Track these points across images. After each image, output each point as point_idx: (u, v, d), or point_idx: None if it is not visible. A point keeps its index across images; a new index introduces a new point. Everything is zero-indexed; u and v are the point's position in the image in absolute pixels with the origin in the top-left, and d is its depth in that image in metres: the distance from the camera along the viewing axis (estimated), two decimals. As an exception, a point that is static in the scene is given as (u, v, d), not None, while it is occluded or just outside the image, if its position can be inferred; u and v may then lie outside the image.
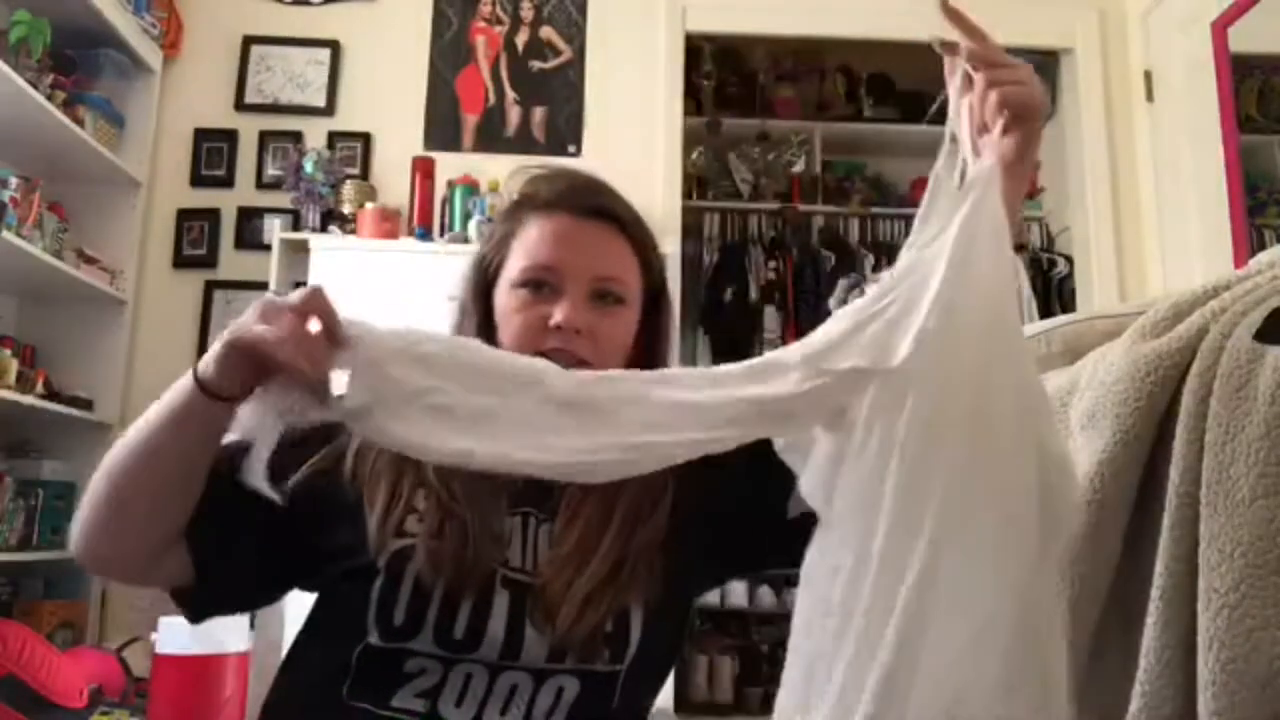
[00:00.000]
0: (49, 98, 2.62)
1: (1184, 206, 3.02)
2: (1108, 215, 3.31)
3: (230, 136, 3.23)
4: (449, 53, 3.32)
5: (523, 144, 3.25)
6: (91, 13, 2.80)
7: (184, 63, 3.26)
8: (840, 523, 0.65)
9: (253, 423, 0.71)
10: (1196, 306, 0.68)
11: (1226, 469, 0.58)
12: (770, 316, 3.44)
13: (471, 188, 3.00)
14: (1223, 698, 0.55)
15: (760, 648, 3.41)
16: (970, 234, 0.65)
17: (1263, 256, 0.75)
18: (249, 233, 3.16)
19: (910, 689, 0.59)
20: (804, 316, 3.45)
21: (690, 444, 0.66)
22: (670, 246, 3.07)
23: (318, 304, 0.72)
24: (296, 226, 3.04)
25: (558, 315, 0.89)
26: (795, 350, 0.67)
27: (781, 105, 4.00)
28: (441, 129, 3.26)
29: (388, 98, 3.27)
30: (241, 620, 2.09)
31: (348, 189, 3.05)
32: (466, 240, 2.89)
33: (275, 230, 3.00)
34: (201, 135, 3.23)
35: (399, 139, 3.23)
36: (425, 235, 2.93)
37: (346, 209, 3.02)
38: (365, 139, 3.25)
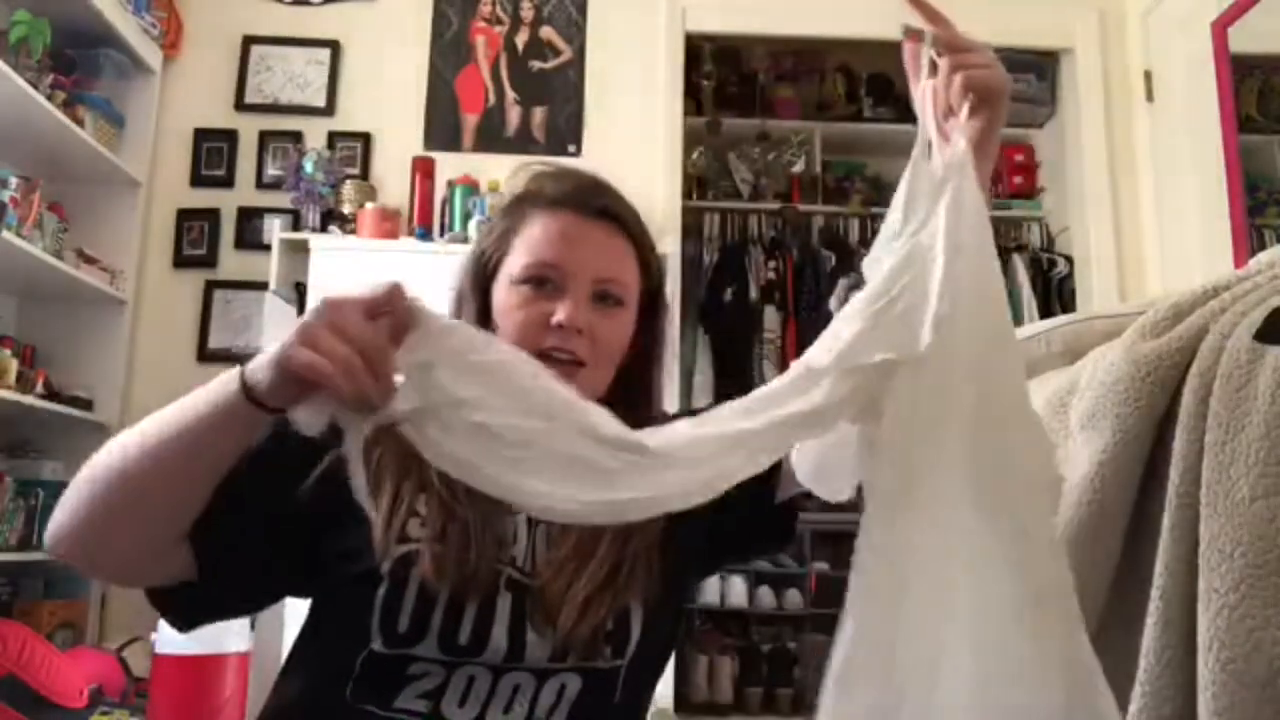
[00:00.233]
0: (49, 98, 2.62)
1: (1184, 206, 3.02)
2: (1108, 215, 3.31)
3: (230, 136, 3.23)
4: (449, 53, 3.32)
5: (523, 144, 3.25)
6: (91, 13, 2.80)
7: (184, 63, 3.26)
8: (890, 506, 0.65)
9: (307, 421, 0.68)
10: (1196, 306, 0.68)
11: (1226, 469, 0.58)
12: (770, 316, 3.44)
13: (471, 188, 3.01)
14: (1223, 698, 0.55)
15: (760, 648, 3.41)
16: (956, 218, 0.66)
17: (1263, 256, 0.75)
18: (249, 233, 3.16)
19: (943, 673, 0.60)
20: (804, 316, 3.45)
21: (734, 472, 0.66)
22: (670, 246, 3.07)
23: (392, 307, 0.68)
24: (296, 226, 3.04)
25: (560, 314, 0.89)
26: (825, 352, 0.66)
27: (781, 105, 4.00)
28: (441, 129, 3.26)
29: (388, 98, 3.27)
30: (242, 620, 2.09)
31: (348, 189, 3.05)
32: (466, 240, 2.89)
33: (275, 230, 3.00)
34: (201, 135, 3.23)
35: (399, 139, 3.23)
36: (425, 235, 2.93)
37: (346, 209, 3.02)
38: (365, 139, 3.25)
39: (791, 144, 3.93)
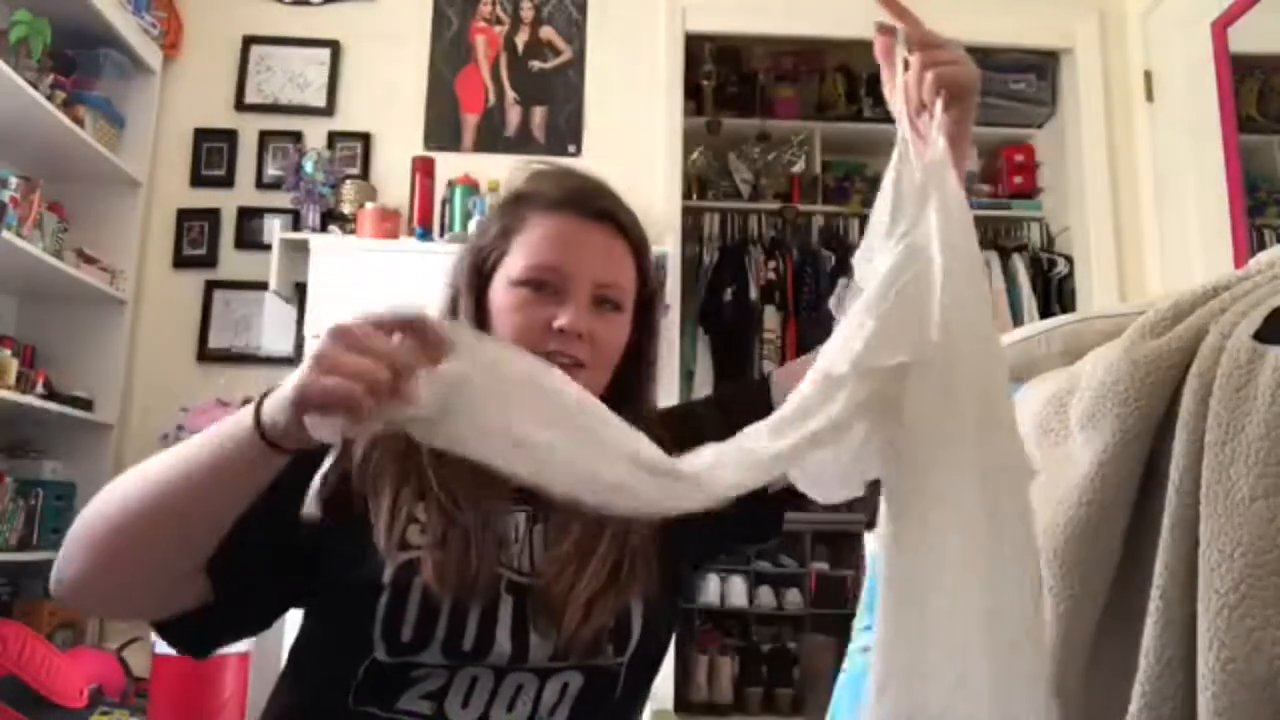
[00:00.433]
0: (49, 98, 2.62)
1: (1184, 206, 3.02)
2: (1108, 215, 3.31)
3: (230, 136, 3.23)
4: (449, 53, 3.32)
5: (523, 144, 3.25)
6: (91, 13, 2.80)
7: (184, 63, 3.26)
8: (916, 508, 0.65)
9: (328, 436, 0.64)
10: (1196, 306, 0.68)
11: (1226, 469, 0.58)
12: (770, 316, 3.44)
13: (471, 188, 3.01)
14: (1223, 698, 0.55)
15: (760, 648, 3.41)
16: (945, 218, 0.66)
17: (1263, 256, 0.75)
18: (249, 233, 3.16)
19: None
20: (804, 316, 3.45)
21: (753, 484, 0.66)
22: (670, 246, 3.07)
23: (418, 328, 0.64)
24: (296, 226, 3.04)
25: (563, 319, 0.88)
26: (841, 358, 0.66)
27: (781, 105, 4.00)
28: (441, 129, 3.26)
29: (388, 98, 3.27)
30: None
31: (348, 189, 3.05)
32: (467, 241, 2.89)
33: (275, 230, 3.00)
34: (201, 135, 3.23)
35: (399, 139, 3.23)
36: (425, 235, 2.93)
37: (346, 209, 3.02)
38: (365, 139, 3.25)
39: (791, 144, 3.93)
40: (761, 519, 1.00)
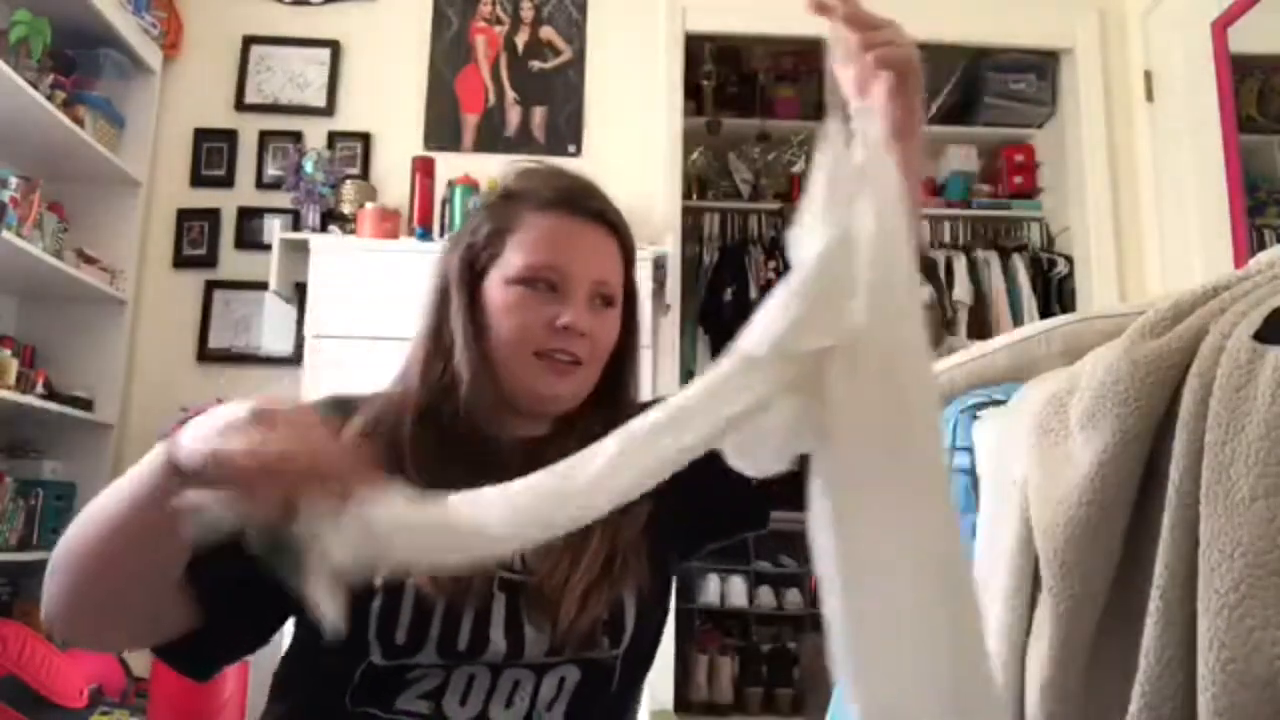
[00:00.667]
0: (49, 98, 2.62)
1: (1184, 206, 3.02)
2: (1108, 215, 3.31)
3: (230, 136, 3.23)
4: (449, 53, 3.32)
5: (523, 144, 3.25)
6: (91, 13, 2.80)
7: (184, 63, 3.26)
8: (852, 492, 0.65)
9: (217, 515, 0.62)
10: (1196, 306, 0.68)
11: (1226, 469, 0.58)
12: (770, 316, 3.44)
13: (471, 188, 3.00)
14: (1223, 698, 0.55)
15: (760, 648, 3.41)
16: (878, 204, 0.67)
17: (1263, 256, 0.75)
18: (249, 233, 3.16)
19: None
20: (804, 316, 3.45)
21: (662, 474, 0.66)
22: (670, 246, 3.07)
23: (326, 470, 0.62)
24: (296, 226, 3.04)
25: (566, 317, 0.91)
26: (763, 338, 0.66)
27: (781, 105, 4.00)
28: (441, 129, 3.26)
29: (388, 98, 3.27)
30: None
31: (348, 189, 3.05)
32: (466, 240, 2.89)
33: (275, 230, 3.00)
34: (201, 135, 3.23)
35: (399, 139, 3.23)
36: (425, 235, 2.93)
37: (346, 209, 3.02)
38: (365, 139, 3.25)
39: (791, 144, 3.93)
40: (747, 509, 1.01)
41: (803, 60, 4.11)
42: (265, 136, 3.23)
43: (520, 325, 0.91)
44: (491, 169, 3.03)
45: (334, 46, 3.29)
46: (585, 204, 0.96)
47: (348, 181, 3.08)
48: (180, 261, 3.15)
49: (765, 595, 3.49)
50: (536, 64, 3.33)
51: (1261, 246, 2.55)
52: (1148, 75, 3.23)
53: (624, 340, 0.99)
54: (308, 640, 0.91)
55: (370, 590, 0.82)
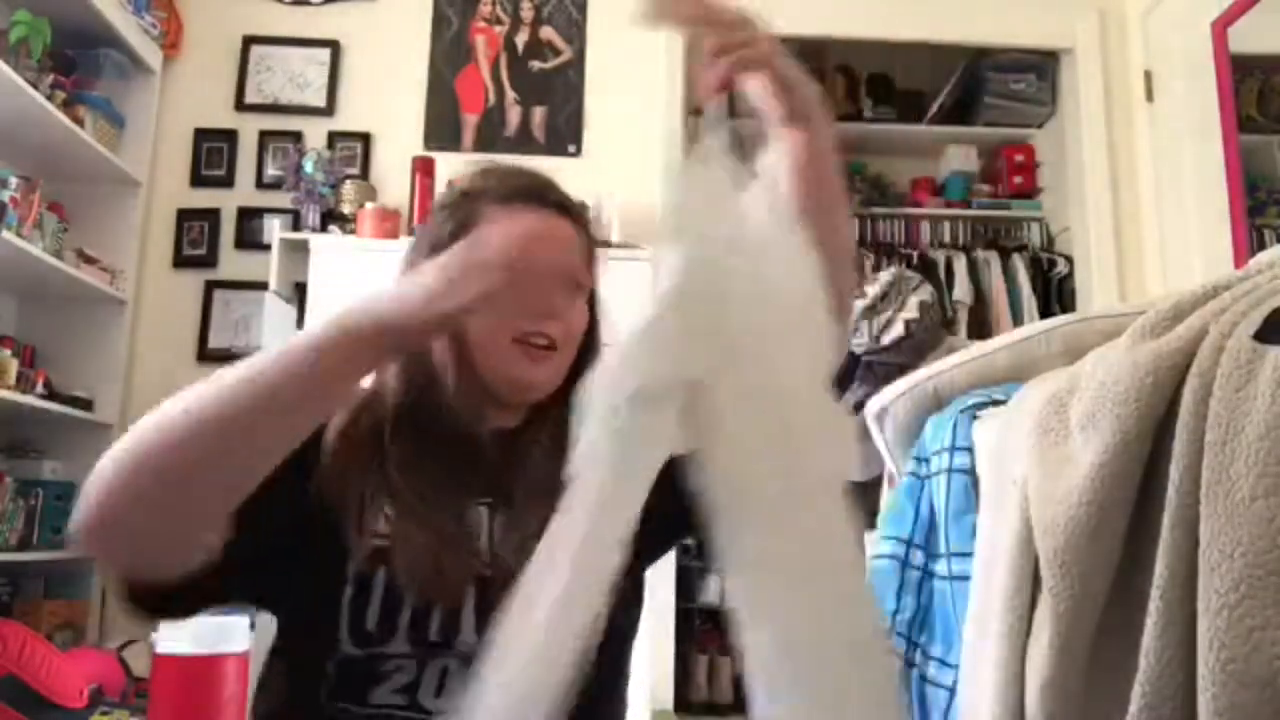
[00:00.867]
0: (49, 98, 2.62)
1: (1184, 206, 3.02)
2: (1108, 215, 3.31)
3: (230, 136, 3.23)
4: (449, 53, 3.32)
5: (523, 144, 3.25)
6: (91, 13, 2.80)
7: (184, 63, 3.27)
8: (738, 519, 0.65)
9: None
10: (1196, 306, 0.68)
11: (1226, 469, 0.58)
12: (770, 316, 3.44)
13: (471, 188, 3.00)
14: (1223, 698, 0.55)
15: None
16: (760, 219, 0.66)
17: (1263, 256, 0.75)
18: (249, 233, 3.16)
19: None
20: (804, 316, 3.44)
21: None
22: (670, 246, 3.06)
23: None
24: (296, 226, 3.04)
25: None
26: (625, 382, 0.65)
27: (781, 105, 3.99)
28: (441, 129, 3.26)
29: (388, 98, 3.27)
30: (241, 620, 2.10)
31: (348, 189, 3.05)
32: (466, 240, 2.89)
33: (275, 230, 3.00)
34: (201, 135, 3.23)
35: (399, 139, 3.23)
36: (425, 235, 2.93)
37: (346, 209, 3.02)
38: (365, 139, 3.25)
39: (791, 144, 3.93)
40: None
41: (803, 60, 4.10)
42: (265, 136, 3.23)
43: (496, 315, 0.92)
44: (491, 169, 3.03)
45: (334, 46, 3.29)
46: (547, 196, 0.97)
47: (348, 181, 3.08)
48: (180, 261, 3.15)
49: (765, 595, 3.48)
50: (536, 64, 3.33)
51: (1261, 246, 2.55)
52: (1148, 75, 3.23)
53: (591, 330, 1.00)
54: (284, 635, 0.91)
55: (341, 580, 0.83)
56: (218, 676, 2.19)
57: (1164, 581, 0.61)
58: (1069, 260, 3.51)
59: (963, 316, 3.45)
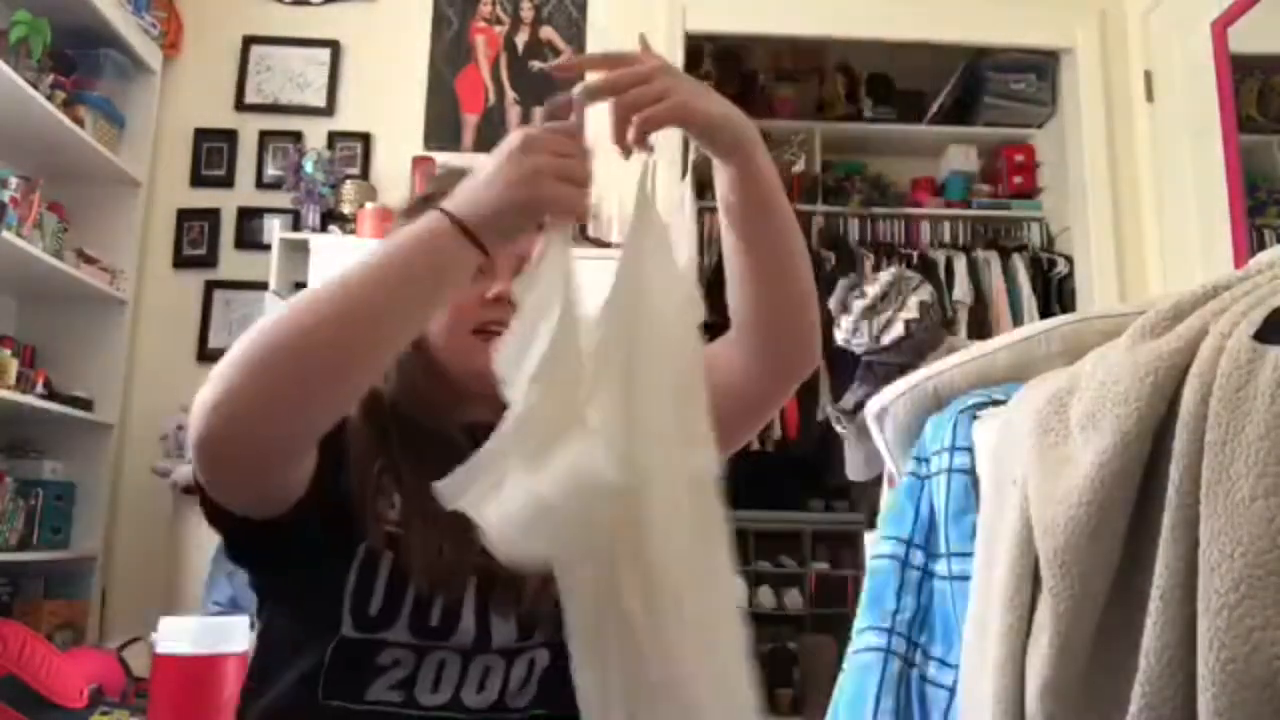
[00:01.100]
0: (49, 98, 2.62)
1: (1184, 206, 3.02)
2: (1108, 215, 3.31)
3: (230, 136, 3.23)
4: (449, 53, 3.32)
5: (523, 144, 3.25)
6: (91, 13, 2.81)
7: (184, 63, 3.27)
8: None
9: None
10: (1196, 306, 0.68)
11: (1226, 469, 0.58)
12: (770, 316, 3.43)
13: (471, 188, 3.01)
14: (1223, 698, 0.55)
15: (760, 648, 3.41)
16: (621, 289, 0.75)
17: (1263, 256, 0.75)
18: (249, 233, 3.17)
19: None
20: (804, 316, 3.45)
21: None
22: (670, 246, 3.06)
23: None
24: (296, 226, 3.04)
25: (495, 288, 0.94)
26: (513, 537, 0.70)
27: (781, 105, 4.00)
28: (441, 129, 3.26)
29: (388, 98, 3.27)
30: (241, 620, 2.10)
31: (348, 189, 3.06)
32: (466, 240, 2.89)
33: (275, 230, 3.01)
34: (201, 135, 3.23)
35: (399, 139, 3.23)
36: (425, 235, 2.93)
37: (346, 209, 3.02)
38: (365, 139, 3.25)
39: (791, 144, 3.93)
40: None
41: (803, 60, 4.11)
42: (265, 136, 3.23)
43: (454, 307, 0.93)
44: (491, 169, 3.03)
45: (334, 46, 3.29)
46: None
47: (348, 181, 3.08)
48: (180, 261, 3.15)
49: (765, 595, 3.49)
50: (537, 64, 3.33)
51: (1261, 246, 2.55)
52: (1148, 75, 3.23)
53: None
54: (281, 619, 0.91)
55: (350, 560, 0.84)
56: (218, 676, 2.19)
57: (1164, 581, 0.61)
58: (1069, 260, 3.51)
59: (963, 316, 3.45)
